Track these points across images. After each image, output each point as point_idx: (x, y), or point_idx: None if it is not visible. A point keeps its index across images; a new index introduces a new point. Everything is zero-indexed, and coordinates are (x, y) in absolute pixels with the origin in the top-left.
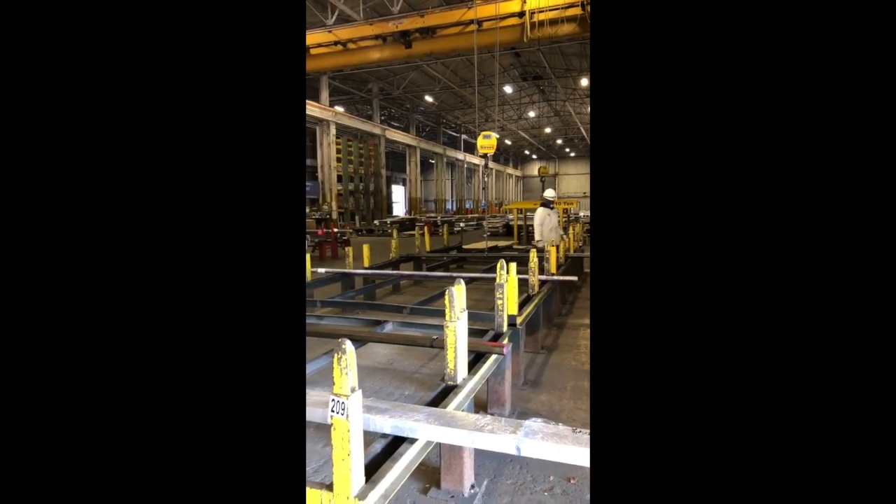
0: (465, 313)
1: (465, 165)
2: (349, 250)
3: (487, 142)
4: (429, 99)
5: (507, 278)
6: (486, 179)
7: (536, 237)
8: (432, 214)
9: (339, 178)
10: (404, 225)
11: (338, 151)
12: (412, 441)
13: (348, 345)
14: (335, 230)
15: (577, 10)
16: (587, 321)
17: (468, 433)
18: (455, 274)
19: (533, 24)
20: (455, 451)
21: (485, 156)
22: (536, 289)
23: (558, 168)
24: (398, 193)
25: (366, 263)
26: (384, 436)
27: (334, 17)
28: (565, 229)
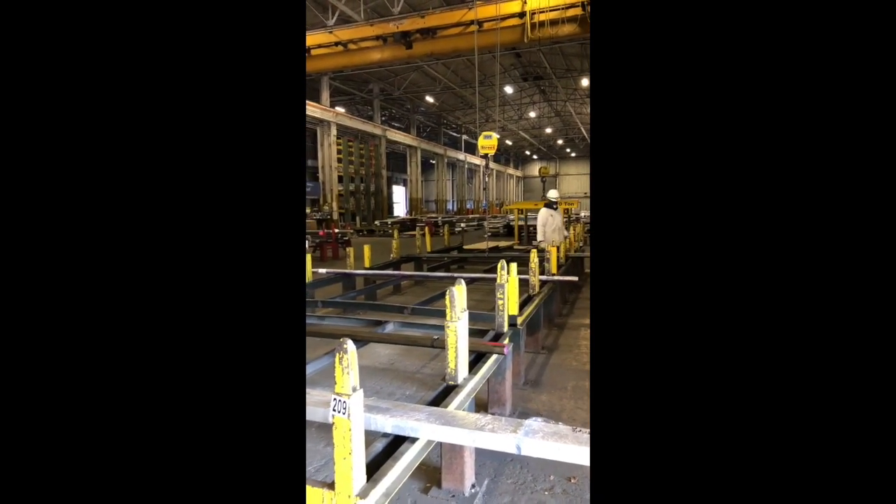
0: (466, 313)
1: (466, 166)
2: (350, 251)
3: (488, 142)
4: (429, 99)
5: (508, 278)
6: (486, 180)
7: (539, 237)
8: (433, 215)
9: (340, 179)
10: (405, 225)
11: (338, 152)
12: (413, 440)
13: (350, 344)
14: (336, 231)
15: (577, 11)
16: (588, 321)
17: (469, 432)
18: (456, 274)
19: (533, 25)
20: (456, 450)
21: (485, 156)
22: (537, 289)
23: (559, 168)
24: (399, 194)
25: (367, 264)
26: (385, 435)
27: (335, 18)
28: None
